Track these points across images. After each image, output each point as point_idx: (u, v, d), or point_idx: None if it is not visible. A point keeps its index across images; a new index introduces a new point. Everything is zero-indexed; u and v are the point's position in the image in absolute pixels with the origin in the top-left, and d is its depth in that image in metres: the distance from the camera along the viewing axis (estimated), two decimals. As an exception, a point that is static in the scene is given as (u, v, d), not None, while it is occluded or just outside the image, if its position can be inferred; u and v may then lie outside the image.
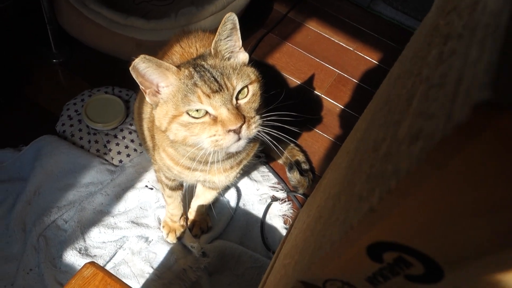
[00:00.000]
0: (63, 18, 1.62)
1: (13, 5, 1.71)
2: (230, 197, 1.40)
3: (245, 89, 0.81)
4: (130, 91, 1.56)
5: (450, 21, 0.29)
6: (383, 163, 0.30)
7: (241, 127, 0.78)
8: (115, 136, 1.44)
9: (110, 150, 1.42)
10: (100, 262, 1.22)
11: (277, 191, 1.45)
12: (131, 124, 1.47)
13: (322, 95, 1.74)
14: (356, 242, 0.31)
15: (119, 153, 1.42)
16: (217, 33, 0.81)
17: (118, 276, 0.79)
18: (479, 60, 0.18)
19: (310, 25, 1.97)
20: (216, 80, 0.78)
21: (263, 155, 1.48)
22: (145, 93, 0.83)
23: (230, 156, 0.93)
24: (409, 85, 0.34)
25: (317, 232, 0.48)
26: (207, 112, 0.78)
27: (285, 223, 1.39)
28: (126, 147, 1.43)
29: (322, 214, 0.50)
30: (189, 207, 1.32)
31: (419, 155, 0.22)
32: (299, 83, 1.76)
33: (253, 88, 0.83)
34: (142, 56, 0.75)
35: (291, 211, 1.42)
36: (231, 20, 0.80)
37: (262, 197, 1.43)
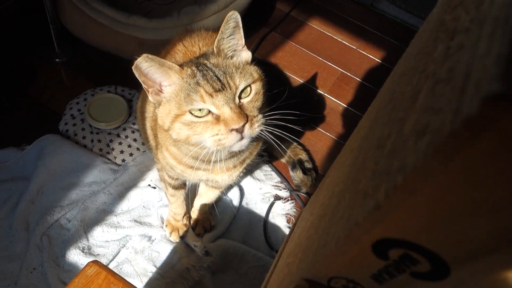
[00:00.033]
0: (66, 18, 1.62)
1: (14, 5, 1.71)
2: (233, 196, 1.40)
3: (248, 88, 0.81)
4: (132, 90, 1.56)
5: (457, 16, 0.29)
6: (388, 159, 0.30)
7: (243, 126, 0.77)
8: (118, 135, 1.44)
9: (113, 149, 1.42)
10: (103, 261, 1.22)
11: (280, 190, 1.45)
12: (133, 123, 1.47)
13: (325, 94, 1.73)
14: (361, 239, 0.31)
15: (122, 152, 1.42)
16: (220, 32, 0.81)
17: (121, 275, 0.79)
18: (488, 53, 0.18)
19: (313, 23, 1.97)
20: (218, 79, 0.78)
21: (266, 154, 1.48)
22: (148, 92, 0.83)
23: (233, 155, 0.93)
24: (414, 82, 0.34)
25: (321, 230, 0.48)
26: (209, 111, 0.78)
27: (288, 222, 1.39)
28: (129, 146, 1.43)
29: (326, 212, 0.50)
30: (192, 206, 1.32)
31: (426, 150, 0.21)
32: (302, 81, 1.76)
33: (256, 87, 0.82)
34: (144, 55, 0.75)
35: (294, 210, 1.42)
36: (233, 18, 0.79)
37: (265, 196, 1.42)
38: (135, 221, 1.30)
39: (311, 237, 0.54)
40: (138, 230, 1.28)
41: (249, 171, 1.43)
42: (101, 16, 1.51)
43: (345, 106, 1.71)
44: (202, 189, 1.24)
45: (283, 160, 1.51)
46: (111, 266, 1.22)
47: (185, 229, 1.29)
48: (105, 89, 1.54)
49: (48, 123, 1.47)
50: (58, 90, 1.59)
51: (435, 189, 0.22)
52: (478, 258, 0.24)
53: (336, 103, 1.71)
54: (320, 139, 1.60)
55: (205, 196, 1.24)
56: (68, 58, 1.67)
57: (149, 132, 1.14)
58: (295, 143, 1.50)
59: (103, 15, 1.51)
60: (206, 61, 0.82)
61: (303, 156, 1.48)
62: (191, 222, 1.32)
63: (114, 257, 1.24)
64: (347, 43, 1.91)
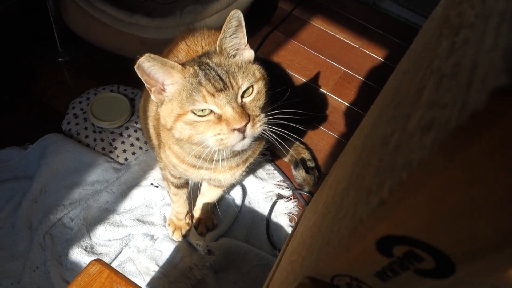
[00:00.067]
0: (69, 17, 1.62)
1: (17, 5, 1.71)
2: (236, 195, 1.40)
3: (250, 87, 0.81)
4: (135, 89, 1.56)
5: (462, 12, 0.29)
6: (392, 156, 0.30)
7: (245, 125, 0.77)
8: (121, 134, 1.44)
9: (115, 148, 1.42)
10: (106, 260, 1.22)
11: (283, 189, 1.45)
12: (136, 122, 1.48)
13: (328, 93, 1.73)
14: (366, 236, 0.30)
15: (124, 151, 1.42)
16: (222, 31, 0.80)
17: (123, 274, 0.79)
18: (495, 48, 0.18)
19: (315, 22, 1.97)
20: (221, 78, 0.78)
21: (268, 153, 1.48)
22: (151, 91, 0.83)
23: (236, 154, 0.93)
24: (419, 78, 0.34)
25: (324, 228, 0.48)
26: (211, 111, 0.78)
27: (290, 221, 1.39)
28: (132, 145, 1.43)
29: (330, 210, 0.50)
30: (194, 205, 1.32)
31: (432, 145, 0.21)
32: (305, 80, 1.76)
33: (258, 86, 0.82)
34: (147, 55, 0.75)
35: (297, 209, 1.42)
36: (236, 17, 0.79)
37: (268, 195, 1.42)
38: (138, 220, 1.30)
39: (314, 235, 0.54)
40: (140, 229, 1.28)
41: (251, 170, 1.43)
42: (103, 15, 1.51)
43: (348, 105, 1.70)
44: (204, 188, 1.24)
45: (285, 159, 1.51)
46: (113, 265, 1.22)
47: (187, 228, 1.29)
48: (108, 88, 1.54)
49: (50, 123, 1.47)
50: (60, 89, 1.59)
51: (440, 185, 0.22)
52: (485, 255, 0.24)
53: (338, 102, 1.71)
54: (322, 138, 1.59)
55: (208, 195, 1.24)
56: (70, 58, 1.68)
57: (152, 131, 1.14)
58: (297, 142, 1.50)
59: (106, 14, 1.51)
60: (208, 60, 0.82)
61: (306, 155, 1.48)
62: (194, 221, 1.32)
63: (116, 256, 1.24)
64: (349, 42, 1.91)
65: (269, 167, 1.49)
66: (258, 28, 1.89)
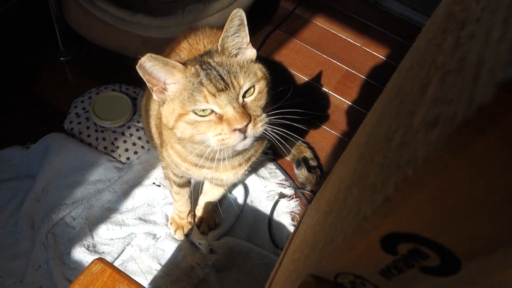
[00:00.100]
0: (71, 17, 1.62)
1: (17, 5, 1.72)
2: (238, 194, 1.40)
3: (252, 87, 0.81)
4: (137, 88, 1.56)
5: (467, 6, 0.29)
6: (397, 153, 0.29)
7: (247, 126, 0.77)
8: (123, 134, 1.44)
9: (117, 147, 1.42)
10: (108, 259, 1.22)
11: (285, 188, 1.45)
12: (138, 122, 1.48)
13: (330, 92, 1.73)
14: (370, 233, 0.30)
15: (126, 150, 1.42)
16: (224, 30, 0.80)
17: (126, 273, 0.79)
18: (502, 40, 0.18)
19: (317, 21, 1.96)
20: (222, 78, 0.78)
21: (270, 152, 1.48)
22: (152, 90, 0.83)
23: (238, 153, 0.93)
24: (423, 74, 0.34)
25: (327, 226, 0.47)
26: (213, 111, 0.78)
27: (292, 220, 1.39)
28: (134, 144, 1.43)
29: (333, 208, 0.50)
30: (196, 204, 1.32)
31: (437, 141, 0.21)
32: (307, 79, 1.75)
33: (260, 86, 0.82)
34: (148, 54, 0.75)
35: (299, 208, 1.42)
36: (238, 16, 0.79)
37: (270, 194, 1.42)
38: (140, 219, 1.30)
39: (317, 233, 0.54)
40: (143, 228, 1.28)
41: (253, 169, 1.42)
42: (105, 15, 1.51)
43: (350, 103, 1.70)
44: (206, 187, 1.24)
45: (287, 158, 1.51)
46: (116, 264, 1.22)
47: (189, 227, 1.29)
48: (110, 87, 1.54)
49: (52, 122, 1.47)
50: (62, 88, 1.59)
51: (445, 181, 0.22)
52: (492, 252, 0.24)
53: (340, 100, 1.70)
54: (324, 137, 1.59)
55: (210, 194, 1.24)
56: (72, 57, 1.68)
57: (154, 130, 1.14)
58: (299, 141, 1.49)
59: (108, 14, 1.51)
60: (210, 60, 0.81)
61: (308, 154, 1.48)
62: (196, 220, 1.32)
63: (119, 255, 1.24)
64: (351, 41, 1.90)
65: (271, 166, 1.48)
66: (260, 27, 1.89)
